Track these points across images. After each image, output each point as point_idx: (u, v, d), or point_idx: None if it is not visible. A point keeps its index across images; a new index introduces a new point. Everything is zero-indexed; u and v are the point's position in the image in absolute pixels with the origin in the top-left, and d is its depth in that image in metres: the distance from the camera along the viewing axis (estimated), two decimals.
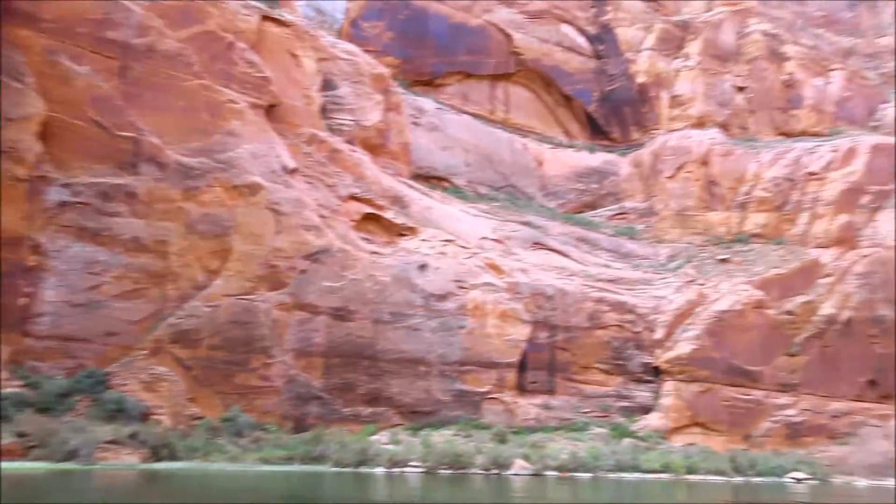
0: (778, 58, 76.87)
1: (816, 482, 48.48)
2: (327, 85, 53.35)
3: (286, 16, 50.84)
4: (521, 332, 51.50)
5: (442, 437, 43.55)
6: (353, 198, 49.36)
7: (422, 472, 37.95)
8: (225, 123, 42.74)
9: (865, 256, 60.23)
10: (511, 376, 50.70)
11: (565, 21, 76.83)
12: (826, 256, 61.60)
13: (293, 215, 43.70)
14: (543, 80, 74.77)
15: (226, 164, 41.77)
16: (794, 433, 55.96)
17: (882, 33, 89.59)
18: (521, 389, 51.43)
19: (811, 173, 65.76)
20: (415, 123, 62.49)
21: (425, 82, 68.93)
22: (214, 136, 42.22)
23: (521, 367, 51.40)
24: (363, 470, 36.89)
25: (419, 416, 46.11)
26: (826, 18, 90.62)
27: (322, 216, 45.81)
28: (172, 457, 33.51)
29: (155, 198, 39.29)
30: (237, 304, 40.53)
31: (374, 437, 42.01)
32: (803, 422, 56.47)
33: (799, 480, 48.23)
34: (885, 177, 63.39)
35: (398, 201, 53.14)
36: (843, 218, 62.53)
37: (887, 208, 62.17)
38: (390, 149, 57.00)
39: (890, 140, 67.06)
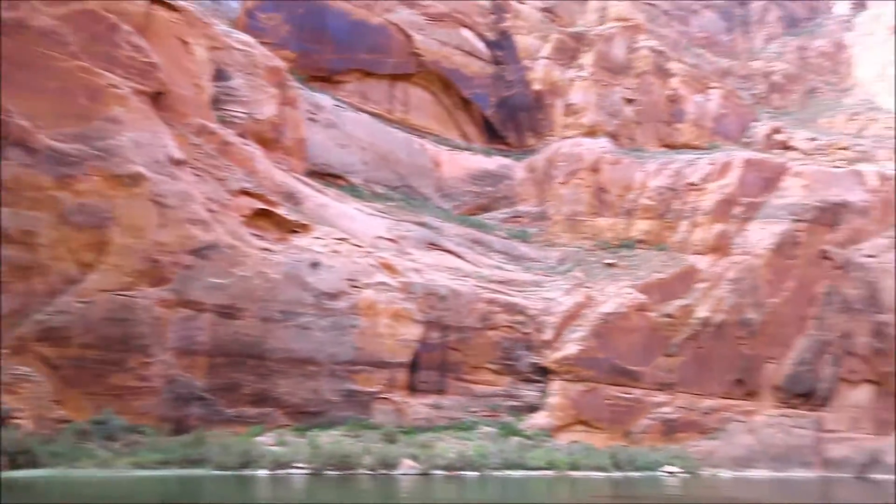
0: (663, 74, 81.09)
1: (687, 475, 51.67)
2: (220, 75, 51.39)
3: (177, 0, 48.59)
4: (414, 333, 51.58)
5: (330, 438, 42.85)
6: (244, 192, 47.73)
7: (307, 474, 37.32)
8: (105, 109, 40.08)
9: (736, 263, 64.35)
10: (402, 376, 50.68)
11: (465, 25, 77.67)
12: (703, 263, 65.37)
13: (179, 208, 41.66)
14: (443, 82, 75.20)
15: (105, 152, 39.18)
16: (670, 429, 58.98)
17: (754, 57, 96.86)
18: (412, 389, 51.51)
19: (691, 184, 69.65)
20: (311, 119, 61.27)
21: (323, 78, 67.69)
22: (93, 121, 39.51)
23: (413, 367, 51.50)
24: (246, 472, 35.72)
25: (307, 417, 45.15)
26: (707, 40, 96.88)
27: (210, 210, 43.94)
28: (33, 464, 30.98)
29: (22, 185, 36.35)
30: (114, 300, 38.11)
31: (260, 439, 40.75)
32: (678, 419, 59.61)
33: (672, 474, 51.24)
34: (756, 189, 68.07)
35: (291, 198, 52.02)
36: (718, 227, 66.51)
37: (757, 219, 66.74)
38: (285, 144, 55.64)
39: (760, 155, 72.31)
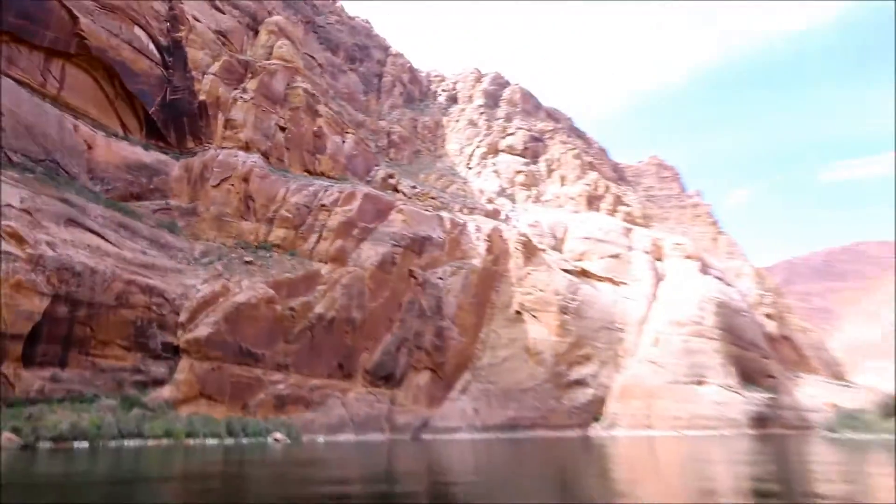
0: (312, 112, 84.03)
1: (290, 441, 53.25)
2: None
3: None
4: (37, 305, 43.70)
5: None
6: None
7: None
8: None
9: (349, 273, 69.38)
10: (16, 348, 42.35)
11: (139, 24, 69.77)
12: (325, 269, 68.90)
13: None
14: (108, 70, 66.00)
15: None
16: (281, 403, 60.18)
17: (381, 118, 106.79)
18: (29, 362, 43.42)
19: (323, 205, 73.21)
20: None
21: None
22: None
23: (33, 339, 43.58)
24: None
25: None
26: (349, 95, 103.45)
27: None
28: None
29: None
30: None
31: None
32: (289, 394, 61.21)
33: (277, 440, 52.26)
34: (370, 217, 74.68)
35: None
36: (339, 242, 70.99)
37: (368, 240, 73.15)
38: None
39: (376, 192, 79.60)
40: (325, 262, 69.67)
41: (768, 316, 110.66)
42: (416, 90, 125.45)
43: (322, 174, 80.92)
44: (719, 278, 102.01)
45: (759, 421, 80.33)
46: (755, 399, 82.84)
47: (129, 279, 51.90)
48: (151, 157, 68.36)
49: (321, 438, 58.34)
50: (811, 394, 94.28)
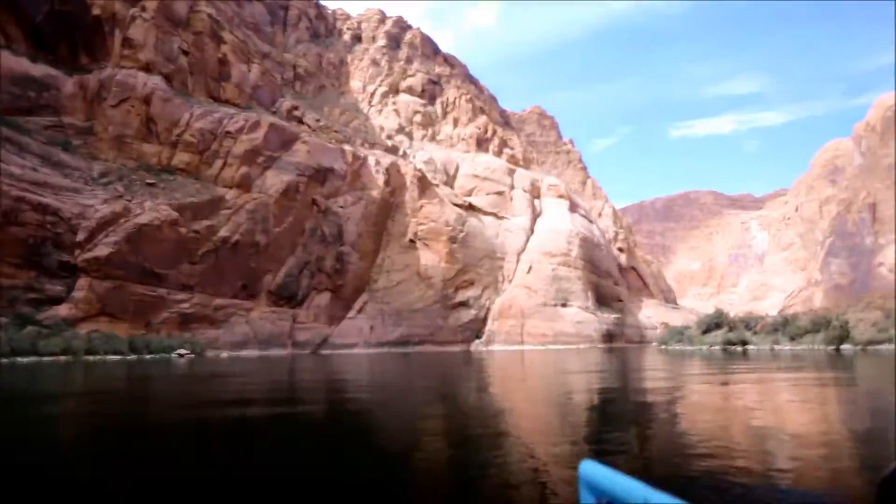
0: (217, 39, 76.96)
1: (194, 356, 51.50)
2: None
3: None
4: None
5: None
6: None
7: None
8: None
9: (255, 199, 66.46)
10: None
11: None
12: (230, 195, 65.41)
13: None
14: None
15: None
16: (186, 321, 58.02)
17: (287, 51, 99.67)
18: None
19: (228, 132, 68.53)
20: None
21: None
22: None
23: None
24: None
25: None
26: (255, 26, 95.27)
27: None
28: None
29: None
30: None
31: None
32: (194, 313, 59.03)
33: (181, 356, 50.29)
34: (275, 146, 71.13)
35: None
36: (244, 169, 67.35)
37: (274, 168, 69.93)
38: None
39: (281, 122, 75.52)
40: (230, 188, 66.09)
41: (620, 250, 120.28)
42: (322, 26, 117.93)
43: (227, 101, 75.18)
44: (585, 216, 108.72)
45: (609, 337, 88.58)
46: (606, 319, 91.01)
47: (17, 196, 46.53)
48: (40, 70, 59.98)
49: (225, 354, 56.97)
50: (649, 315, 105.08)
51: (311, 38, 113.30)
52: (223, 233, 62.19)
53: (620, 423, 8.56)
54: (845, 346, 38.81)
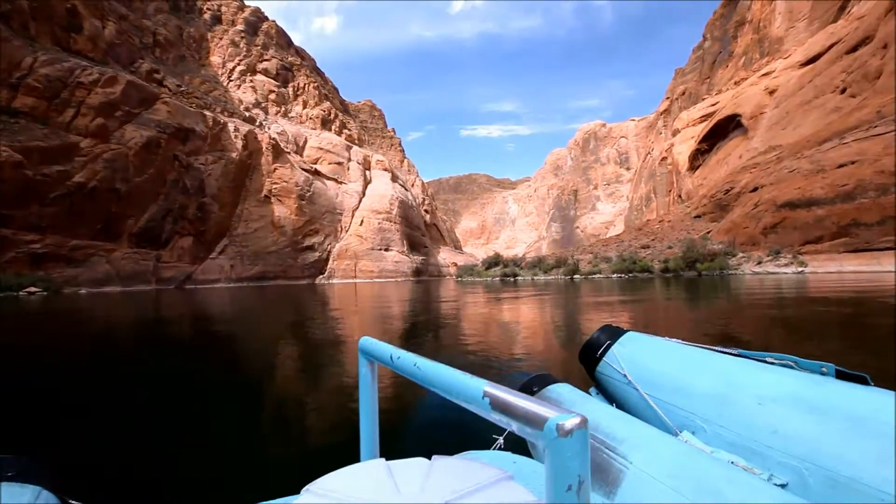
0: None
1: (48, 293, 41.04)
2: None
3: None
4: None
5: None
6: None
7: None
8: None
9: (113, 149, 53.52)
10: None
11: None
12: (84, 143, 51.69)
13: None
14: None
15: None
16: (38, 261, 45.64)
17: (146, 17, 79.34)
18: None
19: (81, 83, 53.33)
20: None
21: None
22: None
23: None
24: None
25: None
26: None
27: None
28: None
29: None
30: None
31: None
32: (47, 253, 46.60)
33: (32, 293, 39.67)
34: (134, 104, 57.70)
35: None
36: (100, 121, 53.55)
37: (134, 123, 56.85)
38: None
39: (141, 82, 61.07)
40: (85, 137, 52.12)
41: (426, 211, 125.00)
42: (182, 0, 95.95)
43: (78, 52, 57.98)
44: (402, 186, 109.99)
45: (418, 272, 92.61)
46: (416, 260, 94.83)
47: None
48: None
49: (83, 290, 46.39)
50: (444, 257, 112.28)
51: (171, 10, 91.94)
52: (79, 178, 49.37)
53: (424, 328, 9.31)
54: (577, 276, 44.63)
